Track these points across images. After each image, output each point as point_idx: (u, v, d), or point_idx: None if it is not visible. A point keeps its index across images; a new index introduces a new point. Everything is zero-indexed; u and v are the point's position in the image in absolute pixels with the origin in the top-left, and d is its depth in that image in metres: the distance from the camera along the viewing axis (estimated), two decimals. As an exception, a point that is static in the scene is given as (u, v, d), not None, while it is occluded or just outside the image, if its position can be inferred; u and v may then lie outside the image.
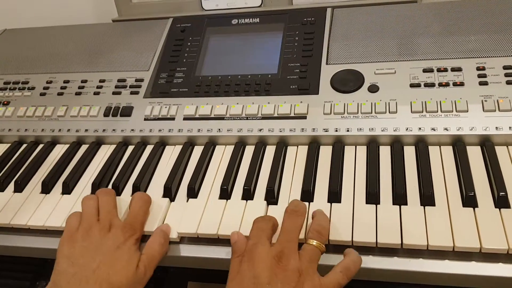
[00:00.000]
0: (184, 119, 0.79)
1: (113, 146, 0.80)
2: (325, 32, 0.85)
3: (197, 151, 0.76)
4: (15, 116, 0.87)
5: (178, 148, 0.78)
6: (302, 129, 0.73)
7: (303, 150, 0.72)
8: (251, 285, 0.51)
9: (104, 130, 0.81)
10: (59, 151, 0.82)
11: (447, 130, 0.68)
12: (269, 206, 0.64)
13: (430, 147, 0.68)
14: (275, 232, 0.58)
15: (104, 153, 0.80)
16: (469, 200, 0.59)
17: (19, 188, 0.75)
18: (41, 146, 0.84)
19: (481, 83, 0.71)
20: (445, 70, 0.74)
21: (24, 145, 0.85)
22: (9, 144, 0.86)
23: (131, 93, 0.85)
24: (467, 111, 0.68)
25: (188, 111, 0.79)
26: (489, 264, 0.55)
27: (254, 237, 0.56)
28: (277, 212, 0.61)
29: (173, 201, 0.69)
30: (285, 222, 0.57)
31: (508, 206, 0.58)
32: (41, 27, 1.05)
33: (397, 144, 0.69)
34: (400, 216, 0.59)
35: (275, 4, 0.95)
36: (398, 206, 0.60)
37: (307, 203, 0.63)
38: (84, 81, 0.89)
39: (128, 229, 0.61)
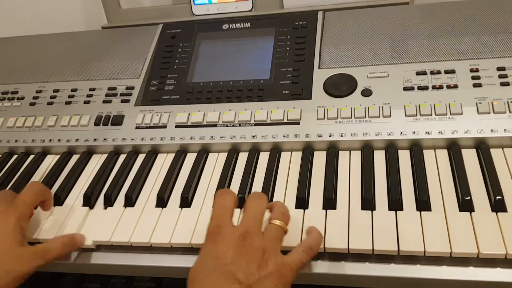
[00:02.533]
0: (176, 126, 0.78)
1: (105, 156, 0.79)
2: (316, 36, 0.84)
3: (190, 159, 0.75)
4: (4, 127, 0.86)
5: (171, 156, 0.77)
6: (296, 134, 0.72)
7: (297, 156, 0.72)
8: (215, 265, 0.51)
9: (95, 139, 0.80)
10: (50, 161, 0.81)
11: (441, 133, 0.67)
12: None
13: (425, 151, 0.67)
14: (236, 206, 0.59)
15: (95, 163, 0.79)
16: (465, 205, 0.58)
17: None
18: (32, 156, 0.83)
19: (475, 85, 0.70)
20: (439, 72, 0.73)
21: (15, 156, 0.84)
22: (-1, 156, 0.85)
23: (122, 101, 0.84)
24: (462, 114, 0.68)
25: (180, 119, 0.78)
26: (486, 269, 0.54)
27: (216, 218, 0.56)
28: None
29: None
30: (249, 203, 0.58)
31: (505, 210, 0.57)
32: (29, 36, 1.04)
33: (391, 149, 0.68)
34: (396, 222, 0.58)
35: (266, 8, 0.94)
36: (394, 212, 0.60)
37: (302, 210, 0.62)
38: (74, 90, 0.88)
39: (8, 208, 0.62)
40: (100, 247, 0.66)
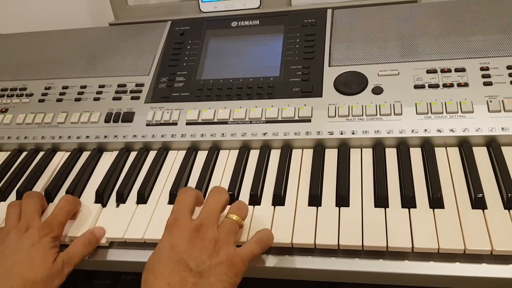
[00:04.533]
0: (187, 123, 0.78)
1: (116, 153, 0.80)
2: (326, 34, 0.84)
3: (201, 156, 0.76)
4: (14, 123, 0.86)
5: (182, 153, 0.77)
6: (307, 132, 0.73)
7: (309, 153, 0.72)
8: (169, 254, 0.54)
9: (105, 136, 0.80)
10: (60, 158, 0.81)
11: (453, 131, 0.68)
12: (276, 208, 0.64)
13: (436, 149, 0.68)
14: (200, 205, 0.61)
15: (106, 160, 0.79)
16: (478, 202, 0.59)
17: (21, 198, 0.74)
18: (41, 153, 0.83)
19: (485, 84, 0.71)
20: (449, 70, 0.74)
21: (24, 153, 0.84)
22: (8, 152, 0.85)
23: (132, 98, 0.84)
24: (473, 112, 0.68)
25: (190, 116, 0.78)
26: (500, 266, 0.54)
27: (175, 212, 0.58)
28: (284, 213, 0.62)
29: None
30: (208, 199, 0.60)
31: (517, 207, 0.58)
32: (36, 32, 1.03)
33: (403, 146, 0.69)
34: (410, 219, 0.59)
35: (274, 6, 0.95)
36: (407, 209, 0.60)
37: (315, 208, 0.63)
38: (84, 87, 0.88)
39: (45, 228, 0.63)
40: (113, 243, 0.67)
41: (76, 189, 0.73)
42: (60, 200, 0.67)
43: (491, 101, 0.68)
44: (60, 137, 0.82)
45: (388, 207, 0.61)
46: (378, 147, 0.69)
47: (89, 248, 0.64)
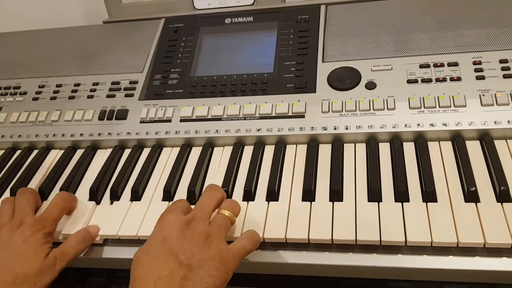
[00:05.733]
0: (181, 120, 0.78)
1: (109, 150, 0.79)
2: (319, 30, 0.84)
3: (195, 152, 0.76)
4: (7, 122, 0.86)
5: (176, 150, 0.77)
6: (301, 128, 0.73)
7: (302, 149, 0.72)
8: (159, 246, 0.54)
9: (99, 134, 0.80)
10: (54, 156, 0.81)
11: (445, 125, 0.68)
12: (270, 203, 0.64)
13: (429, 143, 0.68)
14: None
15: (100, 158, 0.79)
16: (471, 196, 0.59)
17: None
18: (35, 151, 0.83)
19: (478, 78, 0.71)
20: (442, 65, 0.74)
21: (18, 151, 0.84)
22: (2, 151, 0.84)
23: (126, 95, 0.84)
24: (465, 106, 0.69)
25: (184, 113, 0.78)
26: (493, 259, 0.55)
27: (169, 207, 0.59)
28: (278, 209, 0.63)
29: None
30: (202, 195, 0.61)
31: (510, 200, 0.58)
32: (29, 30, 1.03)
33: (396, 141, 0.69)
34: (403, 213, 0.59)
35: (268, 2, 0.94)
36: (400, 204, 0.60)
37: (309, 203, 0.63)
38: (77, 85, 0.88)
39: (38, 224, 0.63)
40: (107, 241, 0.67)
41: (70, 187, 0.73)
42: (55, 197, 0.67)
43: (483, 95, 0.69)
44: (54, 135, 0.82)
45: (381, 201, 0.61)
46: (371, 142, 0.69)
47: (83, 245, 0.63)
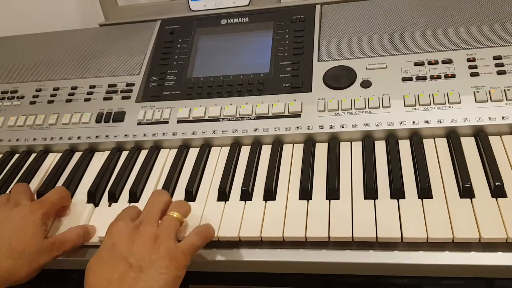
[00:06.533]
0: (178, 122, 0.79)
1: (107, 153, 0.80)
2: (315, 29, 0.85)
3: (193, 153, 0.76)
4: (5, 126, 0.86)
5: (173, 151, 0.77)
6: (297, 127, 0.73)
7: (299, 148, 0.72)
8: (109, 252, 0.55)
9: (97, 136, 0.81)
10: (52, 159, 0.82)
11: (440, 122, 0.68)
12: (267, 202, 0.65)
13: (424, 140, 0.69)
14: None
15: (98, 160, 0.79)
16: (466, 191, 0.59)
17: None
18: (33, 155, 0.83)
19: (472, 74, 0.71)
20: (436, 62, 0.74)
21: (17, 155, 0.84)
22: (1, 155, 0.85)
23: (123, 98, 0.84)
24: (460, 103, 0.69)
25: (181, 114, 0.79)
26: (488, 254, 0.55)
27: (117, 217, 0.60)
28: (275, 208, 0.63)
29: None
30: (148, 201, 0.62)
31: (504, 195, 0.58)
32: (26, 35, 1.03)
33: (391, 138, 0.69)
34: (399, 209, 0.59)
35: (263, 3, 0.95)
36: (396, 200, 0.61)
37: (306, 201, 0.63)
38: (74, 88, 0.88)
39: (35, 204, 0.64)
40: (106, 242, 0.67)
41: (68, 189, 0.72)
42: (54, 188, 0.69)
43: (478, 92, 0.69)
44: (51, 138, 0.83)
45: (377, 198, 0.62)
46: (367, 140, 0.70)
47: (81, 239, 0.64)
